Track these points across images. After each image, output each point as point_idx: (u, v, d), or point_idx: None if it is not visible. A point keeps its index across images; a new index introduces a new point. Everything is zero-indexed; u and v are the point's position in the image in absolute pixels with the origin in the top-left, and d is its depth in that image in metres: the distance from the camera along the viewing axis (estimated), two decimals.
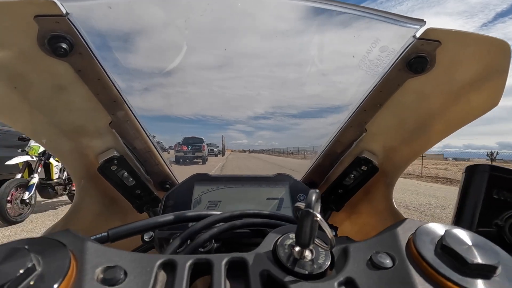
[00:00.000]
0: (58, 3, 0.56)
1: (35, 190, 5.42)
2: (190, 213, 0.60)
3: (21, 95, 0.69)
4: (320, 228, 0.36)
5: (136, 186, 0.93)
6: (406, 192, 9.86)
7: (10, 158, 5.48)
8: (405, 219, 0.43)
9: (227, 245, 0.65)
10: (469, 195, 0.58)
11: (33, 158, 5.55)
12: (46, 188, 5.74)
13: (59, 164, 5.88)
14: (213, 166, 15.85)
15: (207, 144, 23.61)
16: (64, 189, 6.08)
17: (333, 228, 0.92)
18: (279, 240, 0.41)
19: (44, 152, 5.56)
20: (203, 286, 0.44)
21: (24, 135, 5.64)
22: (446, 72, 0.68)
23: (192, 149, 20.02)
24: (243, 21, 0.75)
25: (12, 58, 0.62)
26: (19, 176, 5.42)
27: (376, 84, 0.76)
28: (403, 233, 0.39)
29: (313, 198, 0.35)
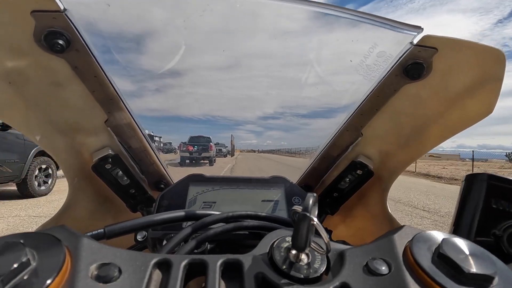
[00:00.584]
0: None
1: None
2: (187, 212, 0.60)
3: (16, 91, 0.68)
4: (317, 232, 0.36)
5: (130, 185, 0.93)
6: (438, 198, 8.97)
7: None
8: (403, 226, 0.43)
9: (221, 246, 0.65)
10: (468, 204, 0.58)
11: None
12: None
13: None
14: (221, 168, 14.74)
15: (215, 144, 21.92)
16: None
17: (328, 231, 0.93)
18: (275, 243, 0.41)
19: None
20: (197, 287, 0.43)
21: None
22: (442, 78, 0.69)
23: (199, 149, 18.37)
24: (250, 22, 0.75)
25: (8, 53, 0.62)
26: None
27: (373, 89, 0.77)
28: (400, 240, 0.39)
29: (311, 201, 0.35)
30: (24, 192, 6.56)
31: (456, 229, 0.58)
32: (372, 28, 0.66)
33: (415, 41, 0.64)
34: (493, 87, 0.66)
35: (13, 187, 6.83)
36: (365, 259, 0.37)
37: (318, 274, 0.36)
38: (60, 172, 7.17)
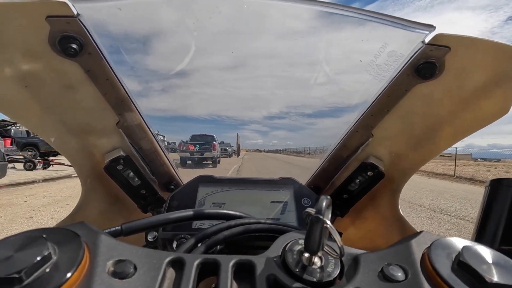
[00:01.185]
0: (70, 4, 0.57)
1: None
2: (201, 211, 0.61)
3: (32, 94, 0.70)
4: (330, 235, 0.36)
5: (141, 186, 0.94)
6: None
7: None
8: (421, 231, 0.41)
9: (230, 247, 0.65)
10: (492, 210, 0.56)
11: None
12: None
13: None
14: (225, 170, 14.05)
15: (219, 143, 19.87)
16: None
17: (338, 233, 0.92)
18: (288, 245, 0.41)
19: None
20: (208, 287, 0.43)
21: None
22: (456, 78, 0.68)
23: (201, 148, 16.46)
24: (254, 22, 0.75)
25: (24, 57, 0.64)
26: None
27: (384, 89, 0.76)
28: (418, 246, 0.38)
29: (324, 204, 0.35)
30: None
31: (479, 237, 0.56)
32: (382, 27, 0.66)
33: (427, 40, 0.63)
34: (509, 85, 0.64)
35: None
36: (381, 265, 0.36)
37: (331, 278, 0.36)
38: None
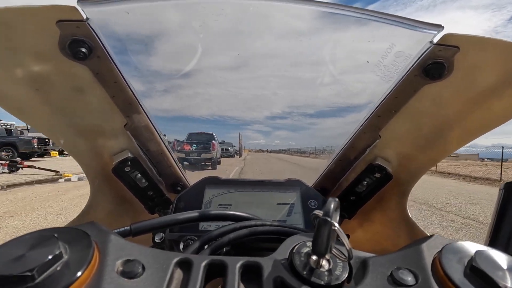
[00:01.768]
0: (79, 9, 0.58)
1: None
2: (209, 212, 0.61)
3: (42, 97, 0.72)
4: (338, 238, 0.35)
5: (148, 188, 0.95)
6: None
7: None
8: (432, 235, 0.40)
9: (236, 248, 0.65)
10: (507, 214, 0.54)
11: None
12: None
13: None
14: (227, 173, 13.48)
15: (220, 143, 17.99)
16: None
17: (346, 236, 0.91)
18: (296, 247, 0.40)
19: None
20: None
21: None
22: (465, 78, 0.66)
23: (198, 148, 14.52)
24: (259, 23, 0.76)
25: (35, 61, 0.65)
26: None
27: (391, 90, 0.75)
28: (429, 250, 0.37)
29: (332, 206, 0.34)
30: None
31: (493, 241, 0.55)
32: (389, 27, 0.65)
33: (435, 40, 0.62)
34: None
35: None
36: (390, 269, 0.36)
37: (340, 282, 0.35)
38: None
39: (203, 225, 0.81)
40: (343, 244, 0.36)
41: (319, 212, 0.36)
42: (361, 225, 1.10)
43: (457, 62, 0.64)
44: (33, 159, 18.70)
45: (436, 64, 0.65)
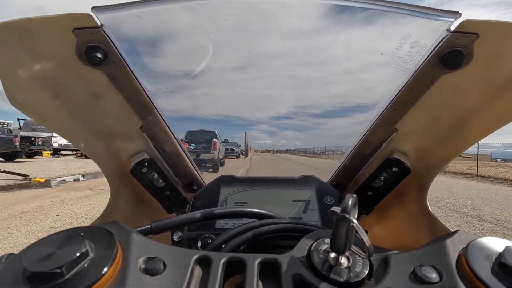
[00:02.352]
0: (94, 16, 0.60)
1: None
2: (229, 209, 0.62)
3: (62, 103, 0.75)
4: (357, 234, 0.35)
5: (165, 188, 0.97)
6: None
7: None
8: (456, 231, 0.39)
9: (253, 245, 0.65)
10: None
11: None
12: None
13: None
14: None
15: (223, 142, 16.03)
16: None
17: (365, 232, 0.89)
18: (314, 244, 0.40)
19: None
20: (234, 286, 0.44)
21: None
22: (486, 66, 0.64)
23: (197, 148, 12.83)
24: (265, 23, 0.75)
25: (54, 69, 0.68)
26: None
27: (407, 82, 0.73)
28: (454, 247, 0.36)
29: (350, 202, 0.34)
30: None
31: None
32: (402, 17, 0.63)
33: (452, 28, 0.60)
34: None
35: None
36: (412, 266, 0.35)
37: (360, 279, 0.35)
38: None
39: (219, 223, 0.82)
40: (362, 241, 0.35)
41: (337, 209, 0.35)
42: (379, 221, 1.08)
43: (477, 49, 0.61)
44: (19, 159, 17.56)
45: (454, 53, 0.62)
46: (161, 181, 0.96)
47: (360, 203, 0.98)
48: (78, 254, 0.32)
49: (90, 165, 14.16)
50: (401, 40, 0.68)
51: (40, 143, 19.19)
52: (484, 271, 0.31)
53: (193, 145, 13.06)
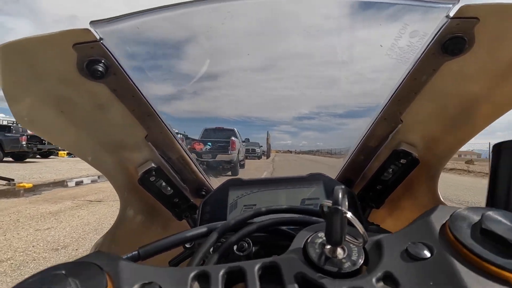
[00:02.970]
0: (93, 30, 0.60)
1: None
2: (218, 224, 0.59)
3: (67, 118, 0.76)
4: (350, 224, 0.35)
5: (174, 195, 0.97)
6: None
7: None
8: (438, 205, 0.41)
9: (264, 249, 0.65)
10: (500, 175, 0.54)
11: None
12: None
13: None
14: None
15: (244, 141, 14.13)
16: None
17: (375, 225, 0.89)
18: (309, 240, 0.40)
19: None
20: None
21: None
22: (488, 50, 0.63)
23: (213, 147, 11.32)
24: (286, 22, 0.75)
25: (57, 85, 0.69)
26: None
27: (409, 72, 0.72)
28: (438, 220, 0.37)
29: (340, 194, 0.34)
30: None
31: (492, 202, 0.54)
32: (399, 7, 0.63)
33: (451, 14, 0.59)
34: None
35: None
36: (404, 245, 0.36)
37: (358, 267, 0.35)
38: None
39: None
40: (356, 230, 0.36)
41: (327, 202, 0.36)
42: (391, 214, 1.07)
43: (478, 34, 0.60)
44: (29, 160, 16.83)
45: (455, 39, 0.61)
46: (169, 188, 0.96)
47: (369, 198, 0.98)
48: None
49: None
50: (400, 30, 0.67)
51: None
52: (469, 239, 0.32)
53: (209, 144, 11.44)
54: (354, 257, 0.37)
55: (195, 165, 1.03)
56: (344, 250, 0.37)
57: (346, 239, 0.37)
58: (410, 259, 0.34)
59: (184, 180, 1.04)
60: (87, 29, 0.60)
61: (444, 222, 0.37)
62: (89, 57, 0.64)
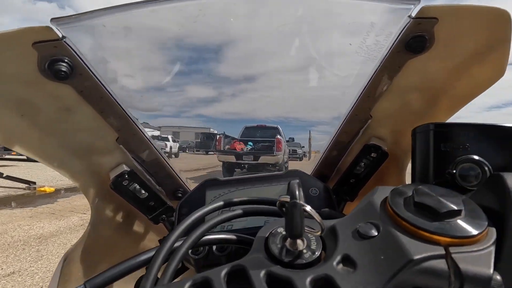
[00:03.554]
0: (54, 28, 0.57)
1: None
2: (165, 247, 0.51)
3: (29, 122, 0.71)
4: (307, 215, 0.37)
5: (149, 198, 0.94)
6: None
7: None
8: (377, 187, 0.45)
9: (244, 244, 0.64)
10: (420, 154, 0.62)
11: None
12: None
13: None
14: None
15: (288, 140, 12.16)
16: None
17: (327, 209, 0.92)
18: (270, 237, 0.41)
19: None
20: None
21: None
22: (447, 48, 0.67)
23: (255, 148, 9.69)
24: (319, 21, 0.74)
25: (17, 87, 0.64)
26: None
27: (377, 69, 0.76)
28: (379, 200, 0.41)
29: (296, 187, 0.36)
30: None
31: (414, 178, 0.63)
32: (366, 7, 0.65)
33: (413, 14, 0.63)
34: (501, 49, 0.64)
35: None
36: (354, 226, 0.38)
37: (318, 255, 0.37)
38: None
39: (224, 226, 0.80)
40: (314, 220, 0.38)
41: (285, 197, 0.37)
42: None
43: (437, 33, 0.65)
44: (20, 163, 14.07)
45: (417, 38, 0.66)
46: (143, 191, 0.93)
47: (343, 191, 1.01)
48: None
49: None
50: (367, 29, 0.70)
51: None
52: (405, 212, 0.36)
53: (250, 144, 9.80)
54: (313, 246, 0.38)
55: (170, 167, 1.01)
56: (303, 241, 0.38)
57: (306, 230, 0.38)
58: (362, 239, 0.37)
59: (160, 183, 1.02)
60: (48, 27, 0.56)
61: (385, 200, 0.41)
62: (52, 57, 0.60)
